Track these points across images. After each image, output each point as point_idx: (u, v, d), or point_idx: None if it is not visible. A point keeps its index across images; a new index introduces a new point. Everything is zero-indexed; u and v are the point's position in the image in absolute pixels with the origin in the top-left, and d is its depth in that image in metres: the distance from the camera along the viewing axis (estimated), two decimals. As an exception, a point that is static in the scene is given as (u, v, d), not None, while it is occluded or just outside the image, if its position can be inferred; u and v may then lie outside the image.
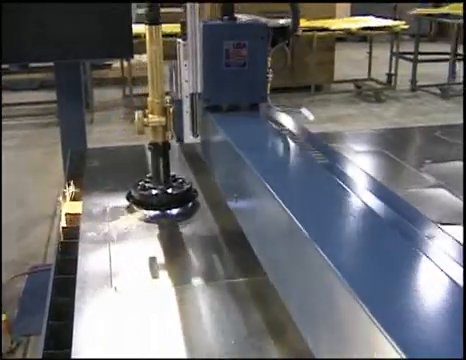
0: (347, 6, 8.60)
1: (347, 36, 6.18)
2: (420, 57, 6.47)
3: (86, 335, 0.88)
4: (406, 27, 5.76)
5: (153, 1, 1.21)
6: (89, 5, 1.82)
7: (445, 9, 6.50)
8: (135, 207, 1.31)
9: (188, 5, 1.21)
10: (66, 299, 1.01)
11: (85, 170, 1.63)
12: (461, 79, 6.27)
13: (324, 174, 0.94)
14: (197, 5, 1.21)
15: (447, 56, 6.36)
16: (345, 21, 6.07)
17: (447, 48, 6.44)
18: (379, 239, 0.71)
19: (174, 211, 1.29)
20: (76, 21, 1.84)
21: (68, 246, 1.21)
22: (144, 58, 7.15)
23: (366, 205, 0.79)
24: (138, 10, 8.45)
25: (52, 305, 1.02)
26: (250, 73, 1.24)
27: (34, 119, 5.12)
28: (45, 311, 1.01)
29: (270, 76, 1.28)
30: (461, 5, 5.51)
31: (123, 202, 1.38)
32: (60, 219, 1.36)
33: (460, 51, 6.61)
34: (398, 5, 6.90)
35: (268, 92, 1.29)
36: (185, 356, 0.84)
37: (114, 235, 1.19)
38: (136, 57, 6.44)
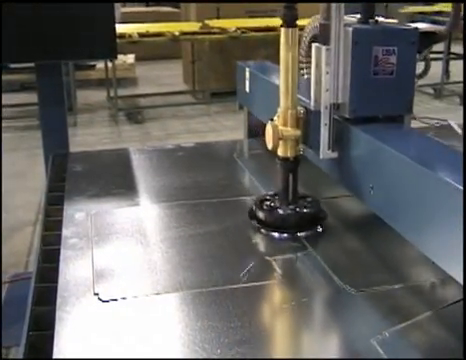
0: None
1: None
2: (413, 56, 6.48)
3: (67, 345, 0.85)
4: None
5: (291, 1, 1.12)
6: (72, 4, 1.78)
7: (437, 7, 6.52)
8: (260, 227, 1.22)
9: (333, 5, 1.09)
10: (47, 308, 0.98)
11: (67, 175, 1.59)
12: (455, 78, 6.32)
13: None
14: (343, 5, 1.10)
15: (440, 55, 6.37)
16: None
17: (440, 47, 6.44)
18: None
19: (304, 233, 1.19)
20: (58, 21, 1.80)
21: (49, 253, 1.18)
22: (129, 59, 7.02)
23: None
24: (122, 9, 8.41)
25: (32, 315, 0.99)
26: (398, 82, 1.15)
27: (15, 122, 5.04)
28: (25, 321, 0.97)
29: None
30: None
31: (106, 207, 1.35)
32: (42, 225, 1.33)
33: (453, 50, 6.65)
34: (389, 3, 6.91)
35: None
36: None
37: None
38: (120, 57, 6.42)
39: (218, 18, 6.04)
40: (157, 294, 0.99)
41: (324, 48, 1.12)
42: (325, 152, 1.16)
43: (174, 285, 1.02)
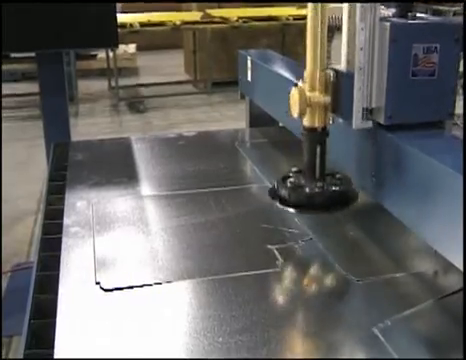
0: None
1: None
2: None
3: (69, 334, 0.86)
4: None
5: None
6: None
7: None
8: (284, 207, 1.08)
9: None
10: (48, 296, 0.98)
11: (69, 164, 1.59)
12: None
13: None
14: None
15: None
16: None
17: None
18: None
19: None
20: (59, 9, 1.79)
21: (51, 242, 1.18)
22: (130, 48, 7.00)
23: None
24: None
25: (34, 303, 0.99)
26: (439, 84, 1.03)
27: (16, 111, 5.04)
28: (26, 310, 0.98)
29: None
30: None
31: (107, 196, 1.35)
32: (43, 214, 1.33)
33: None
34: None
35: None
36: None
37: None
38: (121, 47, 6.41)
39: (219, 7, 6.01)
40: (158, 283, 0.99)
41: None
42: (358, 122, 1.02)
43: (176, 274, 1.02)
